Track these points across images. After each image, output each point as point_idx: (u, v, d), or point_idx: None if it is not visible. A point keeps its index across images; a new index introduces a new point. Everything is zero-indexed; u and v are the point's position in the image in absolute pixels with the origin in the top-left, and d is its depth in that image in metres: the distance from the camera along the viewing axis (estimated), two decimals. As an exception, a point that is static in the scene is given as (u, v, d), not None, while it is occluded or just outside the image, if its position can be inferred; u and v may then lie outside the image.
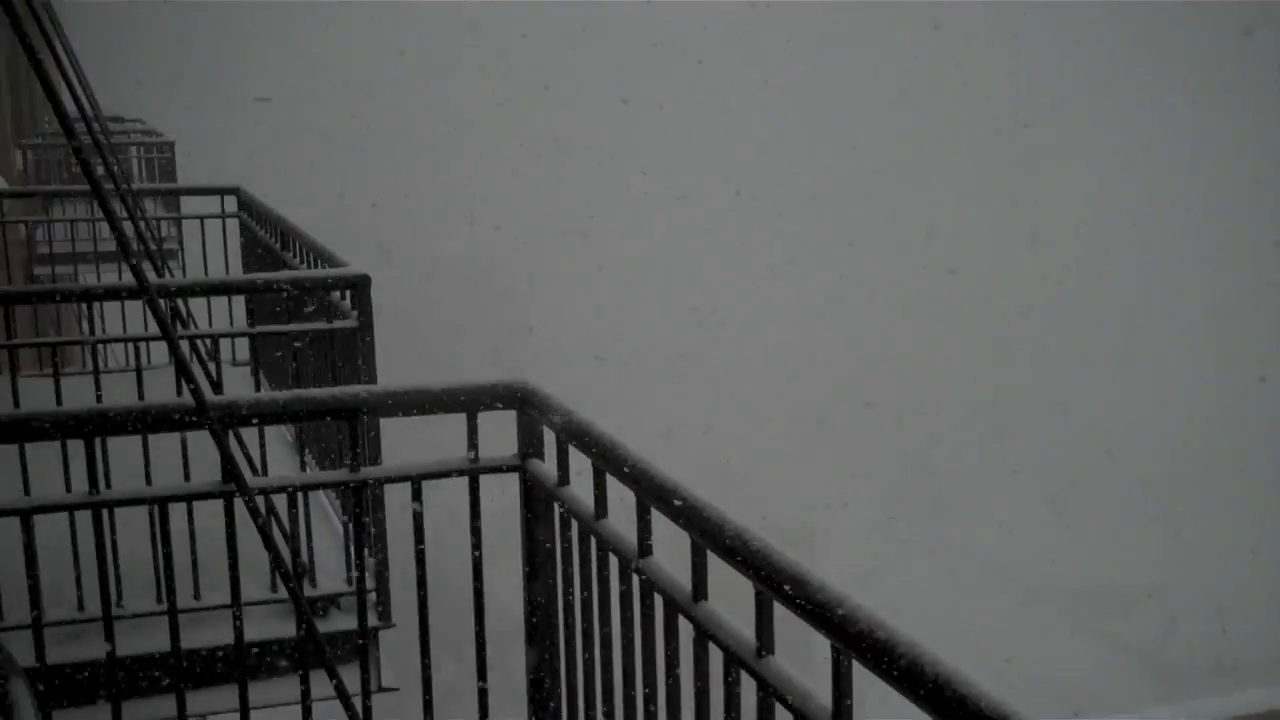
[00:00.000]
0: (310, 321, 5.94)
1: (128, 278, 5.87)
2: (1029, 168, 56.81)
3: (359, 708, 3.70)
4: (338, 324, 5.66)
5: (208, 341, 5.97)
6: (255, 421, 3.83)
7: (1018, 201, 55.46)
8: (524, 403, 3.77)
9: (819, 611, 2.29)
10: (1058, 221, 54.51)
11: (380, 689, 4.64)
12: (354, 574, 4.91)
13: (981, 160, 57.45)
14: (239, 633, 3.68)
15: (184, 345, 4.21)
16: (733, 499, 2.90)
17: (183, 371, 3.64)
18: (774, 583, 2.46)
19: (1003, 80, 58.50)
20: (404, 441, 6.37)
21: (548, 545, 3.76)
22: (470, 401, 3.74)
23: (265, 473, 4.85)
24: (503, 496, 4.46)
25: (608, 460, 3.25)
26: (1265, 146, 53.85)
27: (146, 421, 3.58)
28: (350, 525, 4.87)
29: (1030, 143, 57.19)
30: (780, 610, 2.56)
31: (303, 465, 5.55)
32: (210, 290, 5.87)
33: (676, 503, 2.89)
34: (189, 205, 10.97)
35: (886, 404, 49.50)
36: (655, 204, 55.73)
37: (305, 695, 3.74)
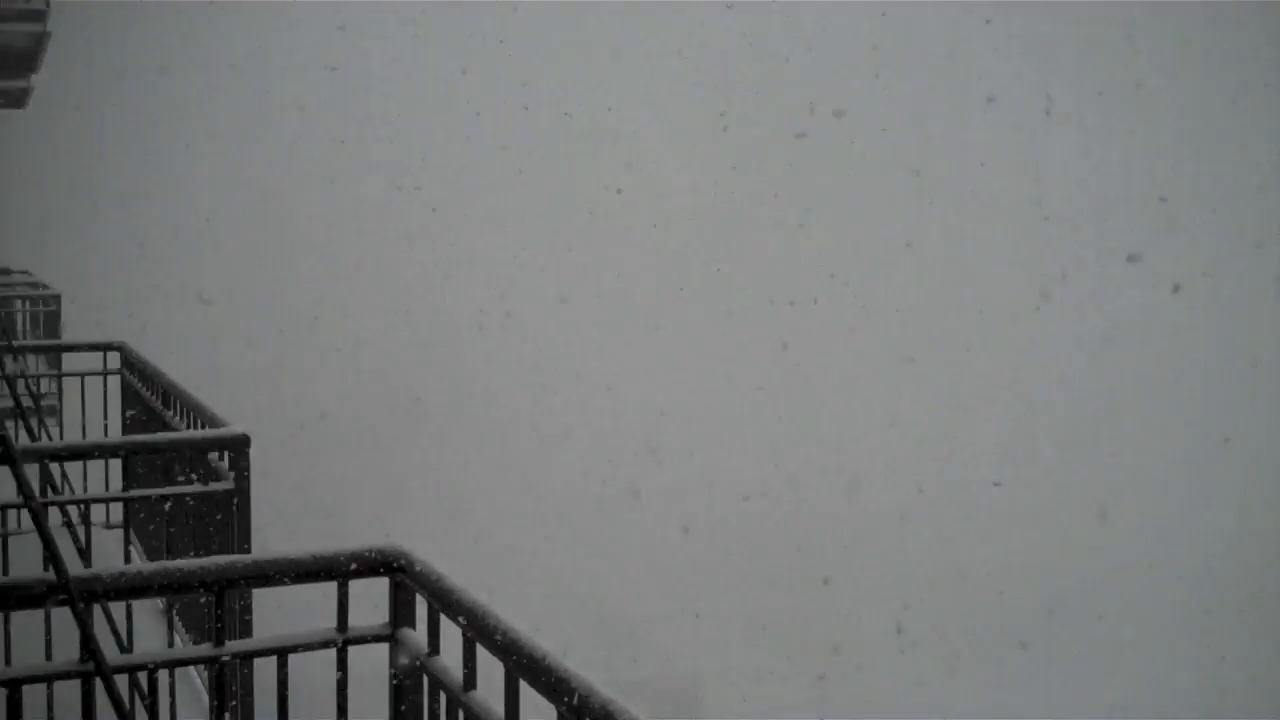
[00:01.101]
0: (187, 483, 5.84)
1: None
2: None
3: None
4: (213, 486, 5.57)
5: (80, 505, 5.85)
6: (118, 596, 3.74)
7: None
8: (398, 570, 3.71)
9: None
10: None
11: None
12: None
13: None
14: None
15: (54, 511, 4.11)
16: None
17: (45, 543, 3.56)
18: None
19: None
20: (284, 598, 6.21)
21: (417, 717, 3.68)
22: (342, 570, 3.68)
23: (131, 646, 4.73)
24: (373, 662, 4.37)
25: (478, 630, 3.21)
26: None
27: (3, 598, 3.50)
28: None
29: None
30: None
31: (170, 638, 5.42)
32: (81, 454, 5.78)
33: (544, 676, 2.87)
34: (71, 362, 10.79)
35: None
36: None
37: None
